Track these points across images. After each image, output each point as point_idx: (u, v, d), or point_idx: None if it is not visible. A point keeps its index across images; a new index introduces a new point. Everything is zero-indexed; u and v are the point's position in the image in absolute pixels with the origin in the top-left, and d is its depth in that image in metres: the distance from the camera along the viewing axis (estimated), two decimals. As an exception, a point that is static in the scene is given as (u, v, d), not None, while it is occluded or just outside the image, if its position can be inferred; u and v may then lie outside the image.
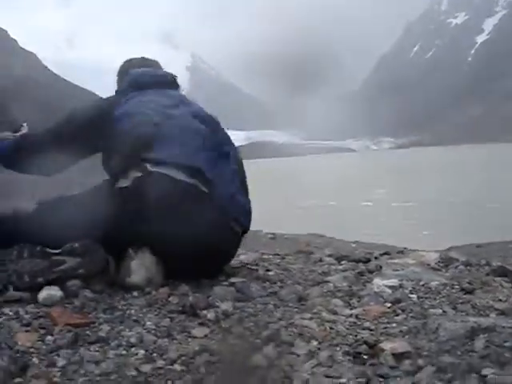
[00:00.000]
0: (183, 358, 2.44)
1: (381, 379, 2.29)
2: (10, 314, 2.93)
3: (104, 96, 4.44)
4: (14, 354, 2.37)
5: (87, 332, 2.74)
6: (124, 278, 3.52)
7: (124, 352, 2.52)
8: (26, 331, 2.71)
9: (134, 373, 2.29)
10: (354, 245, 13.43)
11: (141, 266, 3.53)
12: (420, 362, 2.40)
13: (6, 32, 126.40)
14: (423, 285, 3.93)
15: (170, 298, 3.30)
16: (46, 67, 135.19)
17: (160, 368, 2.36)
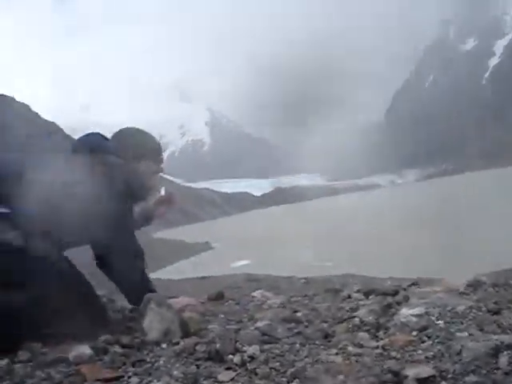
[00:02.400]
0: (208, 402, 2.48)
1: (405, 405, 2.30)
2: (42, 375, 3.00)
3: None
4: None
5: (116, 386, 2.80)
6: (143, 337, 3.60)
7: (152, 402, 2.57)
8: (57, 390, 2.78)
9: (161, 421, 2.33)
10: (389, 282, 13.30)
11: (155, 322, 3.61)
12: (444, 384, 2.41)
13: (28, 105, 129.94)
14: (450, 310, 3.90)
15: (197, 347, 3.34)
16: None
17: (187, 414, 2.40)
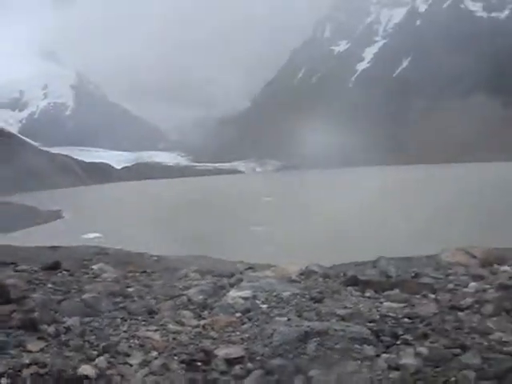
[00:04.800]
0: (10, 371, 2.39)
1: (210, 384, 2.35)
2: None
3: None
4: None
5: None
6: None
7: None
8: None
9: None
10: (238, 265, 13.53)
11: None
12: (250, 365, 2.49)
13: None
14: (276, 295, 4.03)
15: (13, 314, 3.20)
16: None
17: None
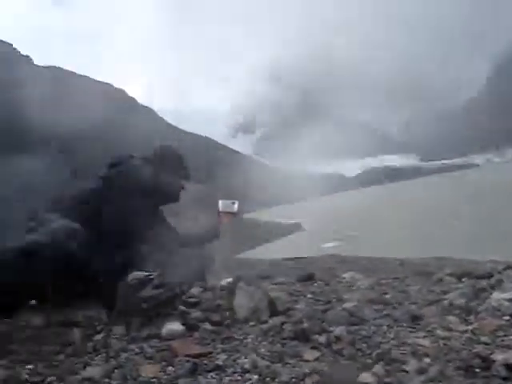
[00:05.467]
0: (294, 380, 2.54)
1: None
2: (136, 349, 3.16)
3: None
4: (136, 385, 2.58)
5: (205, 361, 2.91)
6: (232, 315, 3.70)
7: (239, 378, 2.66)
8: (149, 363, 2.92)
9: (246, 396, 2.41)
10: (488, 264, 12.83)
11: (244, 301, 3.69)
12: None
13: (124, 91, 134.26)
14: (546, 295, 3.74)
15: (284, 326, 3.39)
16: (163, 118, 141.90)
17: (272, 391, 2.46)
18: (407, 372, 2.53)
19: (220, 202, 5.56)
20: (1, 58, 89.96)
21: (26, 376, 2.81)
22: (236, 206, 5.59)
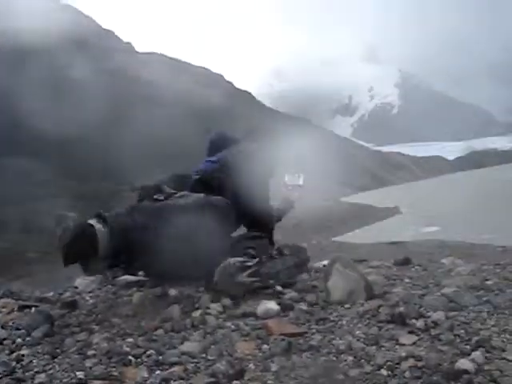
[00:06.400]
0: (389, 363, 2.52)
1: None
2: (232, 327, 3.25)
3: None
4: (232, 361, 2.67)
5: (300, 341, 2.95)
6: (328, 296, 3.70)
7: (334, 358, 2.68)
8: (245, 341, 3.01)
9: (341, 376, 2.43)
10: None
11: (340, 283, 3.68)
12: None
13: (222, 76, 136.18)
14: None
15: (381, 309, 3.37)
16: (260, 102, 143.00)
17: (367, 373, 2.46)
18: (509, 360, 2.45)
19: (286, 175, 5.50)
20: (104, 47, 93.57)
21: (127, 349, 2.95)
22: (302, 178, 5.51)
